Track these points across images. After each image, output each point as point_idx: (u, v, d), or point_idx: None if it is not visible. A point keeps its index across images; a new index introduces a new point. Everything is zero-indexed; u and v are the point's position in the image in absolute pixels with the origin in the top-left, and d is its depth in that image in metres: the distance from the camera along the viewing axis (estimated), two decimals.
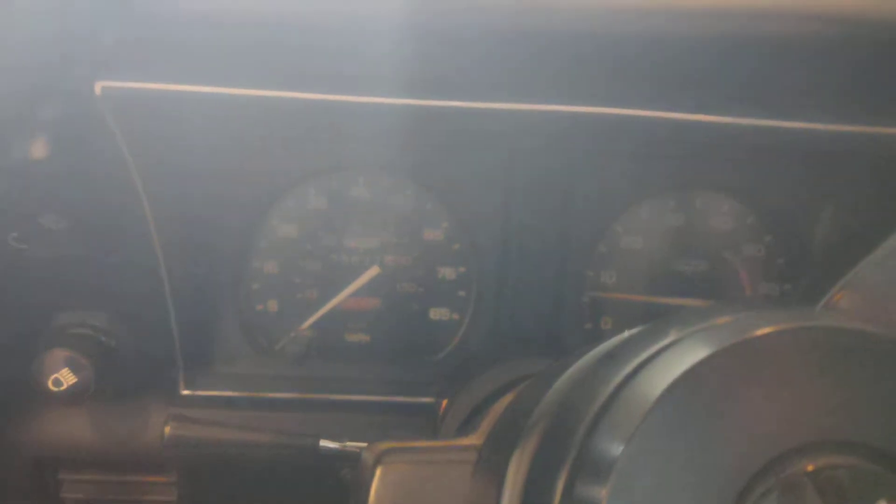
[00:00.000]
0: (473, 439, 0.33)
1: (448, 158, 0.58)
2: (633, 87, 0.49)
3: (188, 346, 0.56)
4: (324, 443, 0.42)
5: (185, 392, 0.56)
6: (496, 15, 0.46)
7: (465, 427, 0.46)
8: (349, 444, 0.43)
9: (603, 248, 0.61)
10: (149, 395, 0.55)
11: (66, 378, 0.50)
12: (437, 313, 0.61)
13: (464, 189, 0.59)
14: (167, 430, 0.43)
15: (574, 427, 0.25)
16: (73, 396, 0.49)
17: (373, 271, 0.60)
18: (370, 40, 0.47)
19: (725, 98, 0.49)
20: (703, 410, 0.23)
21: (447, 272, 0.61)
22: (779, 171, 0.58)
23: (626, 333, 0.29)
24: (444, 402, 0.52)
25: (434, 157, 0.59)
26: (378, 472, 0.30)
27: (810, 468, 0.23)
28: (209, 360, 0.59)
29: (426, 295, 0.61)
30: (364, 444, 0.38)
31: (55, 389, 0.49)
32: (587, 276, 0.61)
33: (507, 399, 0.39)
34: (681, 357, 0.24)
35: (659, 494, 0.22)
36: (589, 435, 0.24)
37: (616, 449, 0.22)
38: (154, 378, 0.55)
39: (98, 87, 0.45)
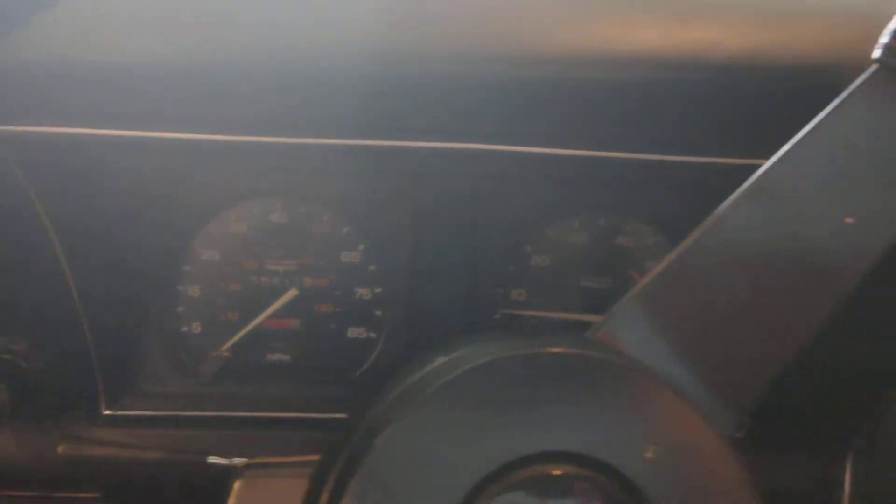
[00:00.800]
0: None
1: (360, 185, 0.61)
2: (533, 125, 0.52)
3: (109, 368, 0.58)
4: (212, 459, 0.45)
5: (107, 412, 0.58)
6: (406, 62, 0.50)
7: None
8: (236, 460, 0.45)
9: (513, 268, 0.64)
10: (71, 415, 0.58)
11: None
12: (355, 332, 0.64)
13: (376, 213, 0.62)
14: (59, 449, 0.45)
15: (352, 441, 0.27)
16: None
17: (291, 293, 0.63)
18: (273, 84, 0.51)
19: (614, 135, 0.53)
20: (445, 422, 0.26)
21: (363, 293, 0.64)
22: (667, 196, 0.62)
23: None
24: None
25: (347, 184, 0.62)
26: (235, 486, 0.33)
27: (534, 474, 0.25)
28: (132, 380, 0.61)
29: (343, 315, 0.64)
30: (245, 460, 0.40)
31: None
32: (498, 294, 0.64)
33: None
34: (435, 378, 0.27)
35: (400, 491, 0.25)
36: (355, 444, 0.27)
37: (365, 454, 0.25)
38: (75, 399, 0.57)
39: None
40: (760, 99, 0.49)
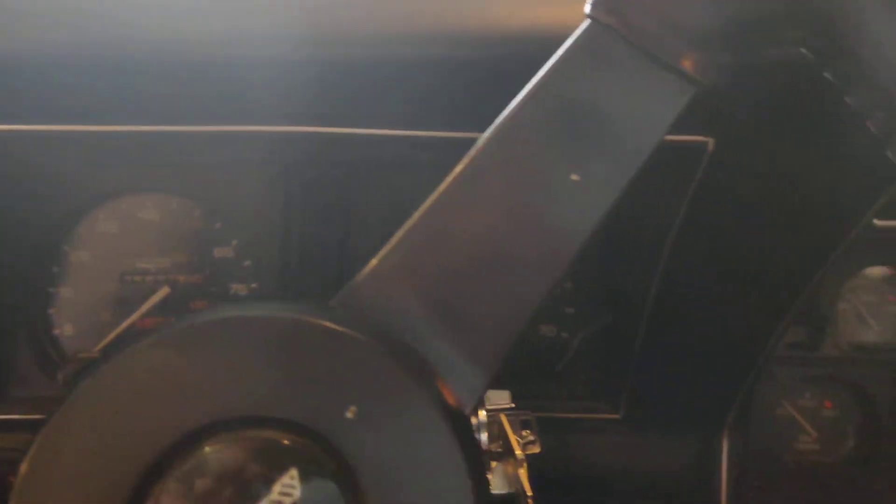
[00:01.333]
0: None
1: (227, 178, 0.61)
2: (376, 106, 0.52)
3: None
4: None
5: None
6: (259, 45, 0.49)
7: None
8: None
9: None
10: None
11: None
12: None
13: (246, 206, 0.61)
14: None
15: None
16: None
17: (163, 292, 0.62)
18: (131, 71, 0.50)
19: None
20: (140, 384, 0.26)
21: (239, 288, 0.63)
22: None
23: None
24: None
25: (214, 177, 0.61)
26: None
27: (226, 439, 0.25)
28: (2, 385, 0.60)
29: None
30: None
31: None
32: None
33: None
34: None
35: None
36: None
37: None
38: None
39: None
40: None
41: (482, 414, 0.42)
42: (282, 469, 0.25)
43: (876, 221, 0.51)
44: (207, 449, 0.25)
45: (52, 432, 0.26)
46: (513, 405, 0.45)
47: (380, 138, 0.53)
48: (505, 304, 0.30)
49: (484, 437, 0.42)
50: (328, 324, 0.27)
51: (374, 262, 0.31)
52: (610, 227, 0.61)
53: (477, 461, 0.28)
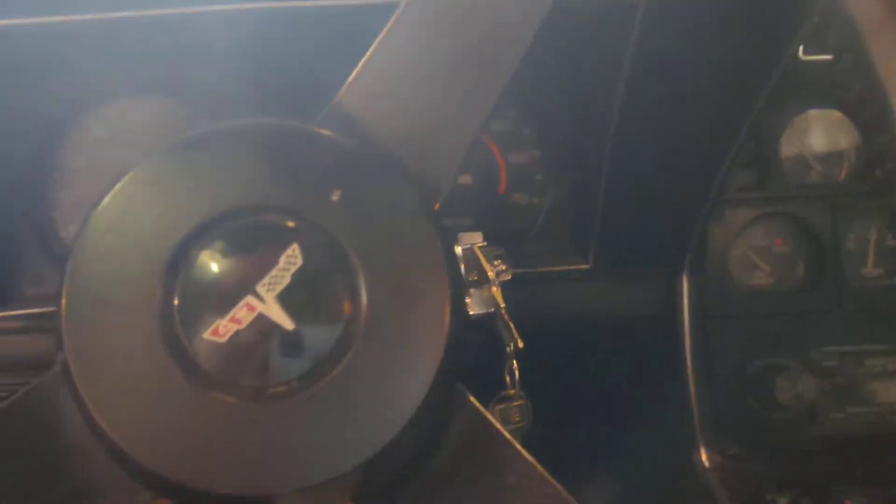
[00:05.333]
0: None
1: (212, 77, 0.64)
2: None
3: None
4: None
5: None
6: None
7: None
8: None
9: None
10: None
11: None
12: None
13: (232, 106, 0.65)
14: None
15: None
16: None
17: None
18: None
19: None
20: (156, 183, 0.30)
21: None
22: None
23: None
24: None
25: (200, 77, 0.64)
26: None
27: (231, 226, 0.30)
28: (17, 285, 0.65)
29: None
30: None
31: None
32: None
33: None
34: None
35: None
36: None
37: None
38: None
39: None
40: None
41: (458, 249, 0.47)
42: (285, 245, 0.30)
43: (802, 56, 0.56)
44: (223, 232, 0.30)
45: (98, 220, 0.30)
46: (485, 244, 0.50)
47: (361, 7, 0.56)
48: (455, 119, 0.34)
49: (461, 268, 0.47)
50: (321, 130, 0.32)
51: (343, 89, 0.35)
52: (565, 94, 0.66)
53: (446, 244, 0.33)
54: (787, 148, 0.65)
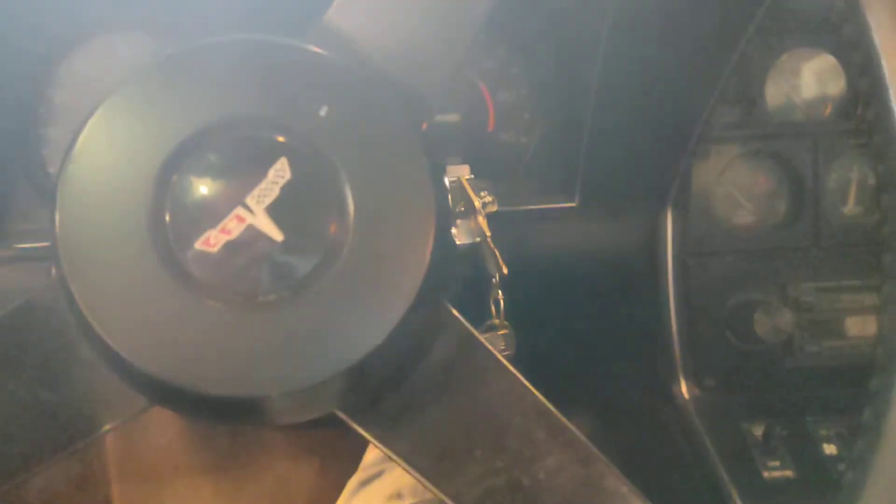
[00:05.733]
0: None
1: (195, 17, 0.64)
2: None
3: None
4: None
5: None
6: None
7: None
8: None
9: None
10: None
11: None
12: None
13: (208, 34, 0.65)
14: None
15: None
16: None
17: None
18: None
19: None
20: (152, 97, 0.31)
21: None
22: None
23: None
24: None
25: (181, 15, 0.64)
26: None
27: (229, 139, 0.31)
28: (8, 220, 0.66)
29: None
30: None
31: None
32: None
33: None
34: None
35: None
36: None
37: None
38: None
39: None
40: None
41: (445, 181, 0.48)
42: (274, 158, 0.31)
43: None
44: (211, 145, 0.31)
45: (89, 133, 0.31)
46: (472, 176, 0.51)
47: None
48: (451, 27, 0.35)
49: (449, 199, 0.48)
50: (308, 45, 0.32)
51: (331, 7, 0.36)
52: (551, 33, 0.66)
53: (432, 160, 0.34)
54: (773, 86, 0.65)
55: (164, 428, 0.93)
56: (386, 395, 0.34)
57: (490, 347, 0.36)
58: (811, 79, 0.67)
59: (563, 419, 0.34)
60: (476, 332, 0.36)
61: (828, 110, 0.67)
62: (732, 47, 0.57)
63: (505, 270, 0.50)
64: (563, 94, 0.66)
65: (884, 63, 0.29)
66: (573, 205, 0.67)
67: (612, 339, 0.70)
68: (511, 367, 0.36)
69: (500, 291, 0.53)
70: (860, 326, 0.66)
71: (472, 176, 0.51)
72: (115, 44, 0.65)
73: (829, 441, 0.63)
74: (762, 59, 0.64)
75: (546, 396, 0.60)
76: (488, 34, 0.68)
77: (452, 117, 0.68)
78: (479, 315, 0.59)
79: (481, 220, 0.48)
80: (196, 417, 0.48)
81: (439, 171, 0.37)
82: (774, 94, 0.66)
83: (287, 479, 0.94)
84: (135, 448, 0.93)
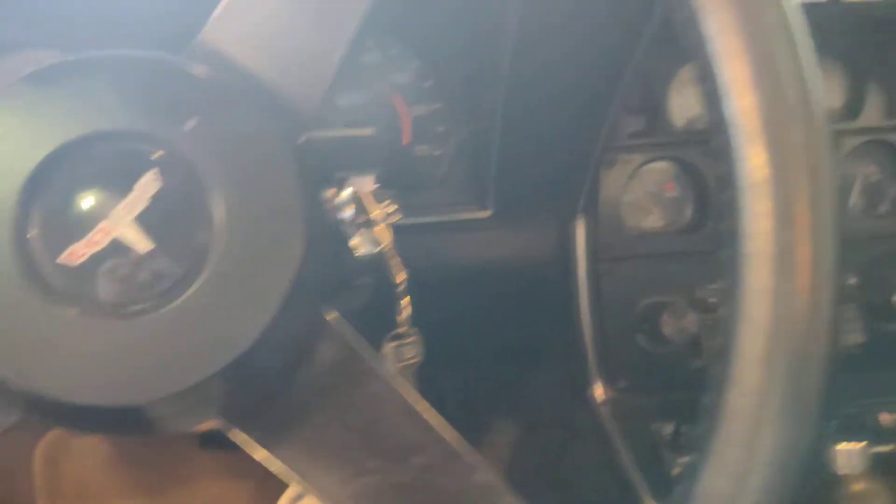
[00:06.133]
0: None
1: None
2: None
3: None
4: None
5: None
6: None
7: None
8: None
9: None
10: None
11: None
12: None
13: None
14: None
15: None
16: None
17: None
18: None
19: None
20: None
21: None
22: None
23: None
24: None
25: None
26: None
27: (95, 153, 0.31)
28: None
29: None
30: None
31: None
32: None
33: None
34: None
35: None
36: None
37: None
38: None
39: None
40: None
41: (345, 193, 0.49)
42: (141, 171, 0.32)
43: None
44: (79, 157, 0.31)
45: None
46: (377, 186, 0.52)
47: None
48: (320, 43, 0.36)
49: (348, 212, 0.49)
50: (180, 60, 0.33)
51: (207, 25, 0.36)
52: (462, 46, 0.68)
53: (305, 170, 0.35)
54: (676, 96, 0.68)
55: (94, 449, 0.92)
56: (268, 400, 0.35)
57: (364, 352, 0.37)
58: None
59: (437, 418, 0.35)
60: (354, 338, 0.37)
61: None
62: (630, 58, 0.59)
63: (399, 277, 0.51)
64: (474, 106, 0.68)
65: (721, 71, 0.31)
66: (487, 214, 0.68)
67: (528, 346, 0.71)
68: (385, 372, 0.36)
69: (405, 299, 0.54)
70: None
71: (378, 186, 0.53)
72: (27, 61, 0.64)
73: None
74: (665, 69, 0.67)
75: (464, 403, 0.60)
76: (401, 48, 0.69)
77: (366, 131, 0.69)
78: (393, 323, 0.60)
79: (381, 230, 0.49)
80: (75, 429, 0.48)
81: (313, 182, 0.38)
82: (678, 103, 0.68)
83: (221, 500, 0.94)
84: (63, 470, 0.91)
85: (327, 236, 0.39)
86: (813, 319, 0.30)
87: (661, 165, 0.69)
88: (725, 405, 0.30)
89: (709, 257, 0.68)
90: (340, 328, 0.36)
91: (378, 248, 0.49)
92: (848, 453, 0.54)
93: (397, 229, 0.69)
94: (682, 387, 0.68)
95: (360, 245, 0.50)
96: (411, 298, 0.68)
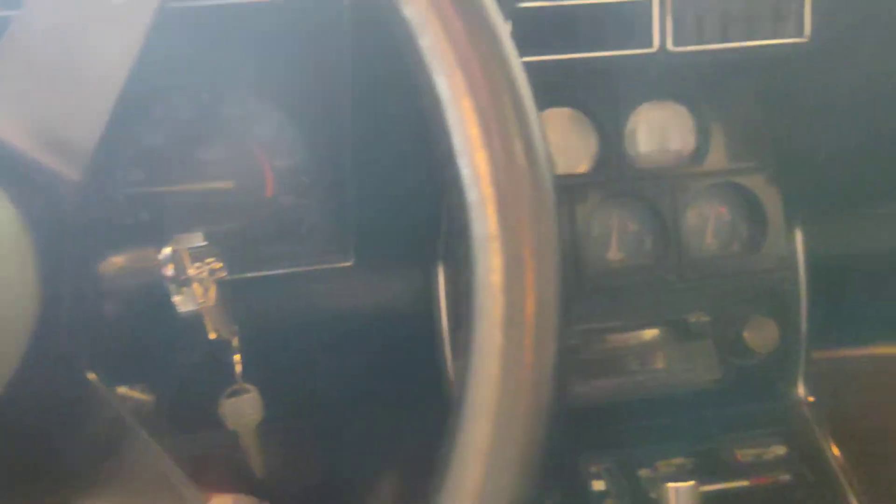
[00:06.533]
0: None
1: None
2: None
3: None
4: None
5: None
6: None
7: None
8: None
9: (128, 149, 0.68)
10: None
11: None
12: None
13: None
14: None
15: None
16: None
17: None
18: None
19: None
20: None
21: None
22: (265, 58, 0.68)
23: None
24: None
25: None
26: None
27: None
28: None
29: None
30: None
31: None
32: (117, 177, 0.69)
33: None
34: None
35: None
36: None
37: None
38: None
39: None
40: None
41: (166, 250, 0.49)
42: None
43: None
44: None
45: None
46: (204, 243, 0.52)
47: None
48: (82, 110, 0.36)
49: (169, 269, 0.49)
50: None
51: None
52: (319, 97, 0.69)
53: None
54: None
55: None
56: (28, 467, 0.34)
57: (126, 415, 0.37)
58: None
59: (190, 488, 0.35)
60: (116, 401, 0.37)
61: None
62: None
63: (212, 335, 0.51)
64: (332, 158, 0.69)
65: (454, 133, 0.32)
66: (349, 264, 0.69)
67: (396, 392, 0.71)
68: (144, 438, 0.36)
69: (237, 356, 0.54)
70: (623, 364, 0.69)
71: (205, 242, 0.53)
72: None
73: (598, 477, 0.66)
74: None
75: (332, 451, 0.59)
76: (263, 101, 0.70)
77: (225, 184, 0.70)
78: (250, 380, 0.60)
79: (196, 287, 0.49)
80: None
81: (74, 248, 0.38)
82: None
83: None
84: None
85: (64, 293, 0.39)
86: (537, 376, 0.30)
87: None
88: (454, 453, 0.31)
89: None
90: (102, 391, 0.36)
91: (198, 306, 0.49)
92: (677, 491, 0.55)
93: (261, 281, 0.69)
94: None
95: (182, 302, 0.50)
96: (281, 349, 0.68)
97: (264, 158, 0.71)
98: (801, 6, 0.63)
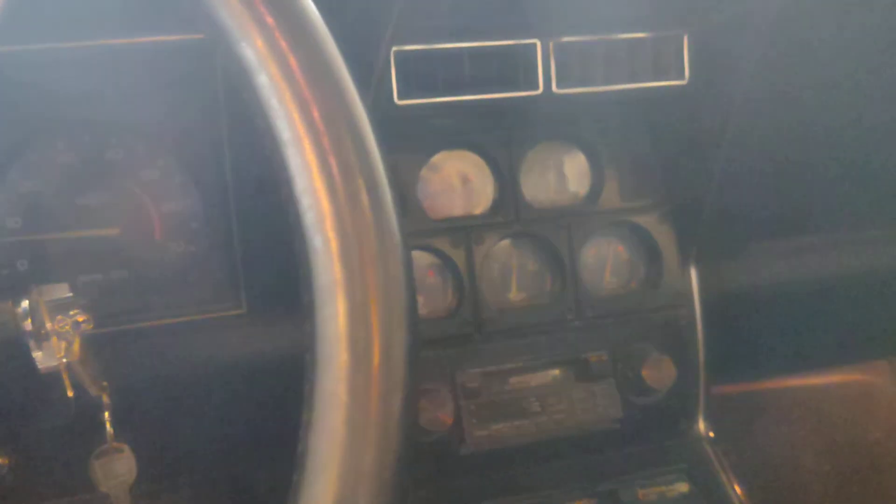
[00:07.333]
0: None
1: None
2: None
3: None
4: None
5: None
6: None
7: None
8: None
9: (2, 194, 0.65)
10: None
11: None
12: None
13: None
14: None
15: None
16: None
17: None
18: None
19: None
20: None
21: None
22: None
23: None
24: None
25: None
26: None
27: None
28: None
29: None
30: None
31: None
32: None
33: None
34: None
35: None
36: None
37: None
38: None
39: None
40: None
41: (24, 303, 0.46)
42: None
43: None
44: None
45: None
46: (70, 294, 0.49)
47: None
48: None
49: (27, 322, 0.46)
50: None
51: None
52: (206, 143, 0.67)
53: None
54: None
55: None
56: None
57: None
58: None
59: None
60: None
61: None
62: None
63: (94, 393, 0.48)
64: (218, 202, 0.67)
65: (298, 180, 0.31)
66: (242, 312, 0.66)
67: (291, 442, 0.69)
68: None
69: (106, 413, 0.51)
70: (526, 406, 0.69)
71: (71, 294, 0.50)
72: None
73: None
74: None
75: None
76: (150, 146, 0.67)
77: (111, 231, 0.66)
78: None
79: (55, 342, 0.46)
80: None
81: None
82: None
83: None
84: None
85: None
86: (383, 428, 0.29)
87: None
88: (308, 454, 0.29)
89: (468, 342, 0.69)
90: None
91: (57, 361, 0.46)
92: None
93: (145, 331, 0.66)
94: (451, 475, 0.67)
95: (41, 359, 0.47)
96: (163, 403, 0.64)
97: (150, 203, 0.69)
98: (681, 52, 0.65)
